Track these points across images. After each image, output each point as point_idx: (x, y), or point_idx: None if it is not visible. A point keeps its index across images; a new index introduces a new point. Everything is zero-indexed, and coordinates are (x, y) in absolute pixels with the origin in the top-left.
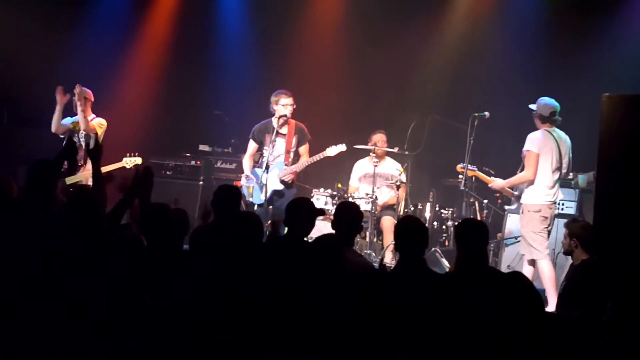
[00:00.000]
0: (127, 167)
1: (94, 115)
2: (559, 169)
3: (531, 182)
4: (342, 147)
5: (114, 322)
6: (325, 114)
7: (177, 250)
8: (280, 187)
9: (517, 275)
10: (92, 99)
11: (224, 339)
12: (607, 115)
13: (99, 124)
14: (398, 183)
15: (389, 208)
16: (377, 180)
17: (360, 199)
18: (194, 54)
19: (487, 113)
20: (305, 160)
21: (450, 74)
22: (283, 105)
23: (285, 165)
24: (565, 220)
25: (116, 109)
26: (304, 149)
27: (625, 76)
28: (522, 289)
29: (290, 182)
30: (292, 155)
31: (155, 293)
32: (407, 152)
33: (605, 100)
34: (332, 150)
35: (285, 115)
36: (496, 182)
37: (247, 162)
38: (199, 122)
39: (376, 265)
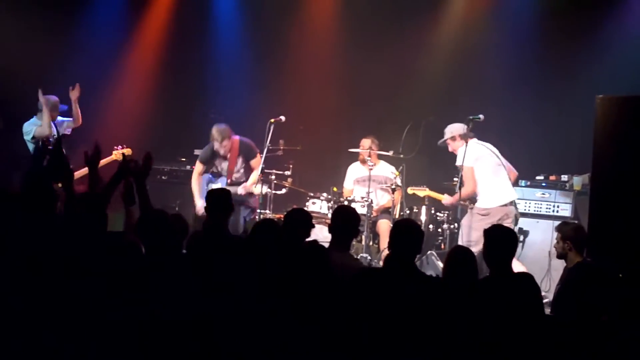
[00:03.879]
0: (116, 158)
1: None
2: (502, 167)
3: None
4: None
5: (112, 325)
6: (320, 116)
7: (176, 254)
8: None
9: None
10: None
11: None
12: (601, 117)
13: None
14: (393, 186)
15: (385, 211)
16: (371, 183)
17: (356, 202)
18: (188, 58)
19: (481, 116)
20: (251, 180)
21: (445, 77)
22: (217, 146)
23: (228, 182)
24: (557, 224)
25: (111, 114)
26: (254, 162)
27: (620, 78)
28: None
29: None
30: (239, 172)
31: (154, 297)
32: (402, 155)
33: (600, 102)
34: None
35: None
36: (446, 199)
37: (195, 185)
38: (194, 126)
39: None
